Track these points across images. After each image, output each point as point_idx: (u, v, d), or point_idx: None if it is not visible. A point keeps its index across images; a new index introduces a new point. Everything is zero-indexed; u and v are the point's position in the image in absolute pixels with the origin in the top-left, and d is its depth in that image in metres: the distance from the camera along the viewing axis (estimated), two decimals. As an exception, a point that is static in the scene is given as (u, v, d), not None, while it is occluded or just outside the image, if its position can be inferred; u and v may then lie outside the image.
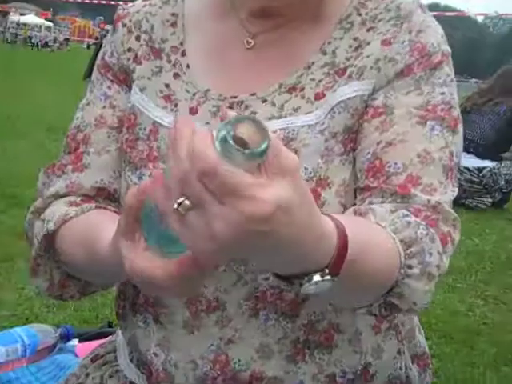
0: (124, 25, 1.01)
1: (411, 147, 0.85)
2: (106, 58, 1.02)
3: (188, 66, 0.96)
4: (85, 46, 37.58)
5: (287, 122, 0.88)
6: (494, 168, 5.45)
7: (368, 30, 0.92)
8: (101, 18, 44.17)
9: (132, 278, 0.67)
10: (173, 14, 1.01)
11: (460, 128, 0.90)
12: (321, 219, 0.61)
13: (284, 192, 0.54)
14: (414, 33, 0.90)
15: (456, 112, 0.90)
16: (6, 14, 44.72)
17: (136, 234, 0.66)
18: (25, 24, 36.95)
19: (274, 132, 0.86)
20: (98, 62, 1.04)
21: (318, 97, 0.89)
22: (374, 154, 0.86)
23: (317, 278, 0.63)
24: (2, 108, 7.61)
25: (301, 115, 0.88)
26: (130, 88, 0.99)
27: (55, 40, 42.09)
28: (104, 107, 1.00)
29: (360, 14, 0.93)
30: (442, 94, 0.89)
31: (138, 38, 1.00)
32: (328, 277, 0.64)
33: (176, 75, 0.96)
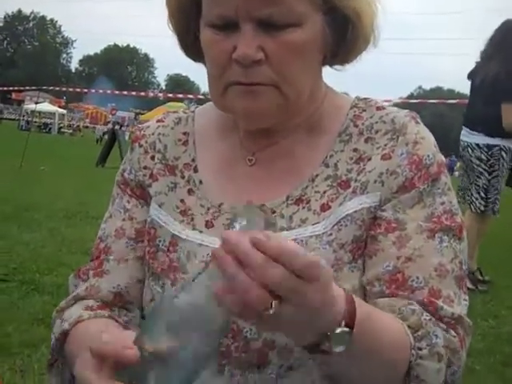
0: (140, 145, 1.12)
1: (428, 262, 0.94)
2: (125, 175, 1.12)
3: (201, 182, 1.05)
4: (97, 136, 38.00)
5: (296, 233, 0.96)
6: None
7: (366, 141, 1.01)
8: (113, 104, 45.44)
9: None
10: (184, 133, 1.11)
11: (464, 233, 0.99)
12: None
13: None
14: (410, 145, 0.98)
15: (459, 218, 0.98)
16: (20, 102, 46.08)
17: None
18: (39, 112, 38.01)
19: None
20: (117, 177, 1.14)
21: (324, 208, 0.98)
22: (395, 267, 0.94)
23: (338, 329, 0.76)
24: (19, 198, 7.81)
25: (308, 226, 0.97)
26: (146, 201, 1.09)
27: (69, 126, 43.17)
28: (123, 219, 1.10)
29: (357, 126, 1.02)
30: (443, 203, 0.97)
31: (152, 158, 1.10)
32: (346, 328, 0.76)
33: (190, 191, 1.05)
